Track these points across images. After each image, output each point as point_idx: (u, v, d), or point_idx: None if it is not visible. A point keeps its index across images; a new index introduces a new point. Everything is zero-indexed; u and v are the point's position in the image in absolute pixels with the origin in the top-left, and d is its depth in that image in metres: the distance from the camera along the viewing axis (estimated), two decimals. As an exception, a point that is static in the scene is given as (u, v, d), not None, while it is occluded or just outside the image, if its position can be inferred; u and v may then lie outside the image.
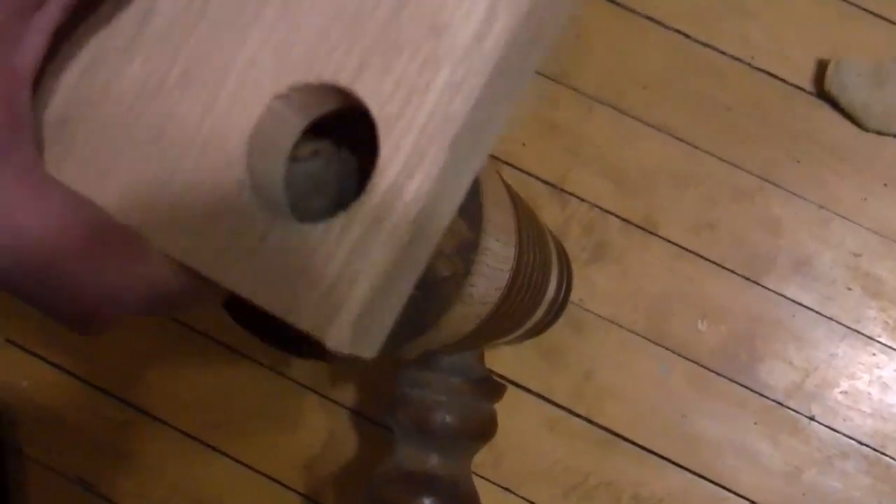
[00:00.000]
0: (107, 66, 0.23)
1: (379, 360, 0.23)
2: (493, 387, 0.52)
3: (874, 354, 0.68)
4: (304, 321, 0.21)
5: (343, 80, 0.22)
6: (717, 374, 0.69)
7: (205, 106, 0.22)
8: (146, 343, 0.72)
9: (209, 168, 0.22)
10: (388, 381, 0.70)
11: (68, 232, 0.22)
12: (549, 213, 0.70)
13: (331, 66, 0.22)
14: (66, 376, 0.72)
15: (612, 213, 0.71)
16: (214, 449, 0.70)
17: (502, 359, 0.69)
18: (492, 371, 0.63)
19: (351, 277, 0.21)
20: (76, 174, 0.23)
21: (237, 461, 0.70)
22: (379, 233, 0.21)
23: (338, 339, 0.21)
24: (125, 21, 0.23)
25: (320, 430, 0.70)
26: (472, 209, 0.28)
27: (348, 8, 0.22)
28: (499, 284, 0.35)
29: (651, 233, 0.70)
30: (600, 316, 0.70)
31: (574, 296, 0.69)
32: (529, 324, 0.57)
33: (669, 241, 0.70)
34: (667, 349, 0.69)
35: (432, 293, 0.27)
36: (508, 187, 0.42)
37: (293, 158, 0.23)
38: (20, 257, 0.21)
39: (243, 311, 0.31)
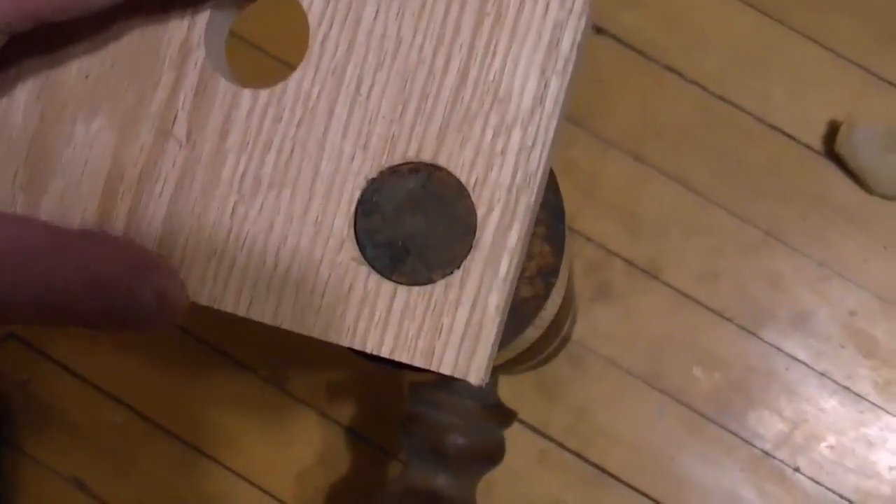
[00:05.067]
0: (201, 180, 0.25)
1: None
2: (504, 413, 0.53)
3: (862, 412, 0.70)
4: (444, 368, 0.24)
5: (426, 156, 0.25)
6: (709, 419, 0.70)
7: (304, 199, 0.25)
8: (148, 348, 0.73)
9: (324, 254, 0.25)
10: (385, 401, 0.71)
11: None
12: (557, 251, 0.72)
13: (413, 145, 0.25)
14: (67, 374, 0.72)
15: (617, 255, 0.72)
16: (210, 458, 0.71)
17: (499, 388, 0.70)
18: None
19: (478, 323, 0.24)
20: (194, 286, 0.25)
21: (232, 471, 0.71)
22: (494, 280, 0.24)
23: (477, 377, 0.24)
24: (204, 137, 0.25)
25: (315, 444, 0.71)
26: (556, 236, 0.29)
27: (414, 93, 0.25)
28: (555, 310, 0.37)
29: (654, 277, 0.72)
30: (599, 354, 0.71)
31: (575, 333, 0.71)
32: (544, 354, 0.58)
33: (672, 287, 0.72)
34: (662, 392, 0.71)
35: (514, 314, 0.28)
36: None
37: (392, 171, 0.25)
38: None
39: None
